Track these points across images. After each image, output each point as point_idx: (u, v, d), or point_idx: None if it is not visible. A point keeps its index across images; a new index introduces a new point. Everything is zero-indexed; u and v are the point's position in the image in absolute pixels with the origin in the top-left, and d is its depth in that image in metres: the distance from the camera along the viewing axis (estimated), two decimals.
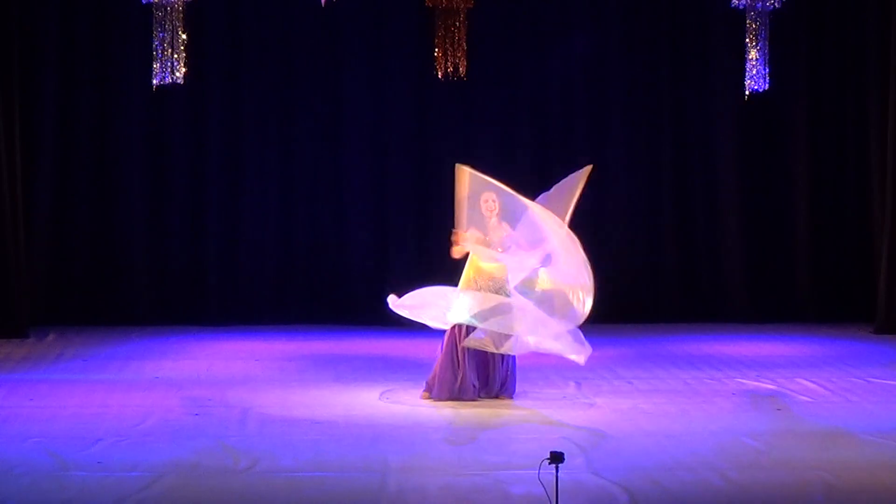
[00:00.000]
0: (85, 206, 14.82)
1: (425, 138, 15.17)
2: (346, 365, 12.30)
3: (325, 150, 15.12)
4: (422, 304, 10.65)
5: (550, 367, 11.98)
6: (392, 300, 10.66)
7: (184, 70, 11.89)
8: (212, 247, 14.96)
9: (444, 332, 10.63)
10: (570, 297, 10.38)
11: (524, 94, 15.28)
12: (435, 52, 12.69)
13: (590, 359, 12.60)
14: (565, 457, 7.22)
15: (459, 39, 12.61)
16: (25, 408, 10.23)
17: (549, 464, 7.18)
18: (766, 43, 12.40)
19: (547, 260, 10.44)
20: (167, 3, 11.73)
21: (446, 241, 10.71)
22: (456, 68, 12.70)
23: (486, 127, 15.25)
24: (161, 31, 11.80)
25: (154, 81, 12.00)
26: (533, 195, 15.03)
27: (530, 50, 15.20)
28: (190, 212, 14.99)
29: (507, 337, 10.31)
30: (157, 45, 11.84)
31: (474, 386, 10.46)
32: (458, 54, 12.63)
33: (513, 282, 10.41)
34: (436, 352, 10.76)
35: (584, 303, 10.35)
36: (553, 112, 15.34)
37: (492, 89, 15.11)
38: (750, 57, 12.39)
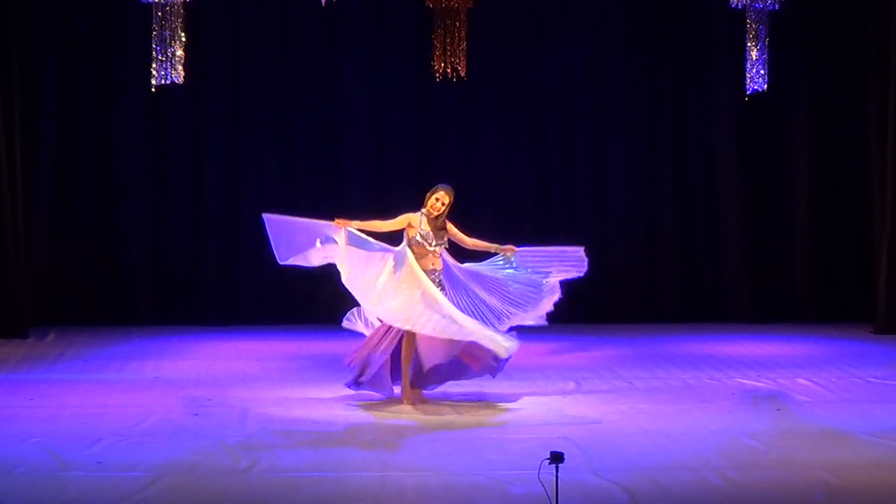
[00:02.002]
0: (85, 206, 14.81)
1: (425, 138, 15.17)
2: None
3: (325, 150, 15.12)
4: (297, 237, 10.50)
5: (550, 367, 11.99)
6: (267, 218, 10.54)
7: (184, 70, 11.88)
8: (212, 247, 14.96)
9: None
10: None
11: (524, 95, 15.28)
12: (435, 52, 12.68)
13: (590, 359, 12.68)
14: (565, 457, 7.22)
15: (459, 39, 12.61)
16: (25, 408, 10.23)
17: (549, 464, 7.18)
18: (766, 43, 12.39)
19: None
20: (167, 2, 11.72)
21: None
22: (456, 68, 12.70)
23: (485, 127, 15.25)
24: (161, 31, 11.79)
25: (154, 81, 11.99)
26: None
27: (530, 50, 15.19)
28: (190, 212, 14.99)
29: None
30: (156, 45, 11.83)
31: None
32: (458, 54, 12.62)
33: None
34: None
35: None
36: (553, 112, 15.33)
37: (492, 89, 15.11)
38: (750, 57, 12.39)
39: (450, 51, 12.62)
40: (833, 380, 11.51)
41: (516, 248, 10.70)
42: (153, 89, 12.25)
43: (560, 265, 10.74)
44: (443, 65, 12.66)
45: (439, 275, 10.45)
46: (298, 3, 14.58)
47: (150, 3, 11.82)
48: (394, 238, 10.52)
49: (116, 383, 11.30)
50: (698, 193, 15.46)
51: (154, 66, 11.89)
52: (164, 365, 12.25)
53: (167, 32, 11.76)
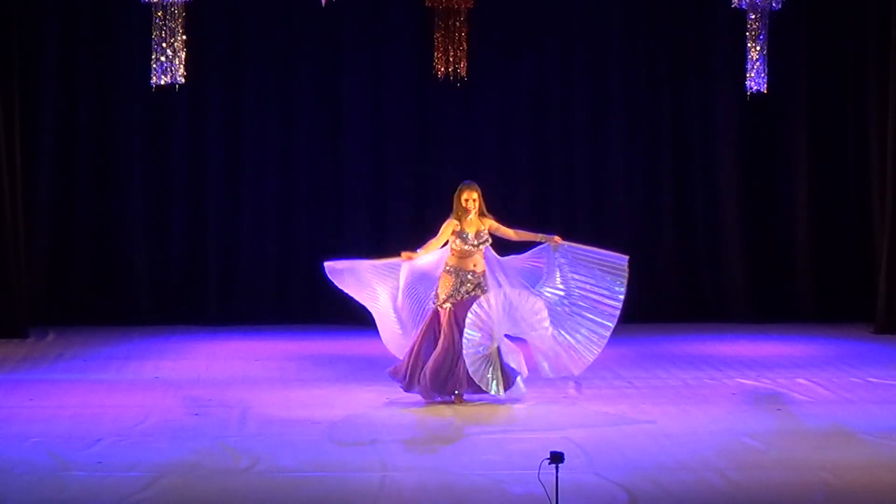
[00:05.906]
0: (85, 206, 14.81)
1: (425, 138, 15.16)
2: (346, 365, 12.30)
3: (325, 150, 15.12)
4: (358, 283, 10.74)
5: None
6: (328, 266, 10.74)
7: (184, 70, 11.88)
8: (212, 247, 14.96)
9: None
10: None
11: (524, 95, 15.27)
12: (435, 52, 12.68)
13: None
14: (565, 457, 7.22)
15: (459, 39, 12.61)
16: (25, 408, 10.24)
17: (549, 464, 7.18)
18: (766, 43, 12.39)
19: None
20: (167, 2, 11.72)
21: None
22: (456, 68, 12.70)
23: (486, 127, 15.24)
24: (161, 32, 11.79)
25: (154, 81, 11.99)
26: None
27: (530, 50, 15.19)
28: (190, 212, 14.99)
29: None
30: (157, 46, 11.83)
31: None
32: (459, 54, 12.63)
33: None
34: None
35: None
36: (553, 112, 15.32)
37: (492, 89, 15.10)
38: (750, 57, 12.38)
39: (450, 51, 12.62)
40: (833, 380, 11.51)
41: (561, 240, 10.69)
42: (153, 89, 12.25)
43: (600, 272, 10.66)
44: (443, 65, 12.66)
45: (479, 276, 10.51)
46: (298, 3, 14.58)
47: (150, 3, 11.81)
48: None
49: (116, 383, 11.30)
50: (698, 193, 15.46)
51: (154, 65, 11.88)
52: (164, 365, 12.25)
53: (167, 32, 11.75)
